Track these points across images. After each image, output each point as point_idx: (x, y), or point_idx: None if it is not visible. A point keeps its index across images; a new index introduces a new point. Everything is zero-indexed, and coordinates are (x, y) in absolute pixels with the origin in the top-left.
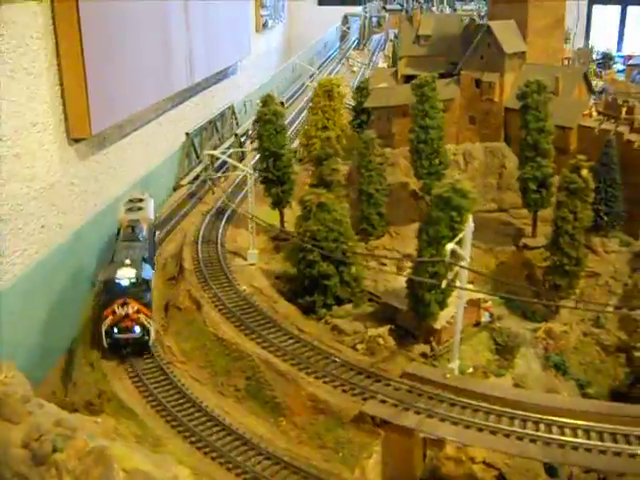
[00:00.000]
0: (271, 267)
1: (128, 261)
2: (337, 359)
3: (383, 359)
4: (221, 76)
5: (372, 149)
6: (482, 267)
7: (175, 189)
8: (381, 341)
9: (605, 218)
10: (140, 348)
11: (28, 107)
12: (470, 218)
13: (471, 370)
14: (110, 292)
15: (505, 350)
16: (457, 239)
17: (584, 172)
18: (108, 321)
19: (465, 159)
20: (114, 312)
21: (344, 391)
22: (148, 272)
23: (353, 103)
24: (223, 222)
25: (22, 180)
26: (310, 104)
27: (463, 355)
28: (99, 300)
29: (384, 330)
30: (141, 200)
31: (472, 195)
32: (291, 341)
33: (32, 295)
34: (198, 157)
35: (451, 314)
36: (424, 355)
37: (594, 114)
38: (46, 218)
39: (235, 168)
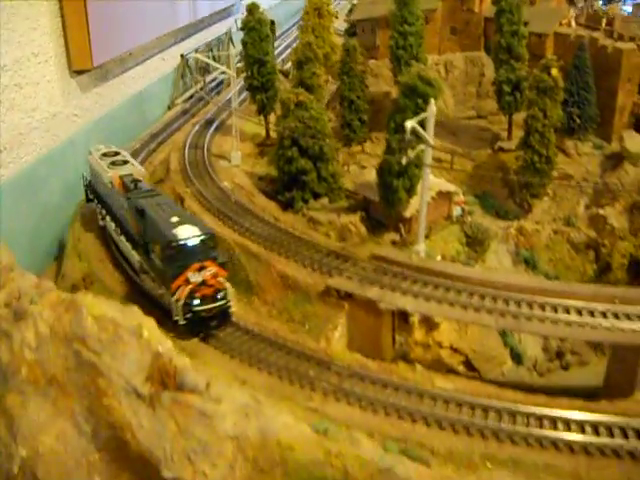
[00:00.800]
0: (255, 170)
1: (176, 218)
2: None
3: (353, 244)
4: (225, 14)
5: (354, 57)
6: (459, 169)
7: (170, 107)
8: (352, 228)
9: (578, 121)
10: (224, 318)
11: (29, 37)
12: (432, 102)
13: (439, 258)
14: (176, 258)
15: (475, 243)
16: (418, 118)
17: (554, 71)
18: (183, 293)
19: (446, 68)
20: (187, 281)
21: (313, 270)
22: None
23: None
24: (211, 130)
25: (24, 110)
26: (301, 23)
27: (432, 245)
28: (158, 271)
29: (355, 218)
30: (117, 153)
31: (437, 83)
32: (266, 228)
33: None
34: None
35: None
36: (394, 242)
37: (573, 24)
38: (48, 149)
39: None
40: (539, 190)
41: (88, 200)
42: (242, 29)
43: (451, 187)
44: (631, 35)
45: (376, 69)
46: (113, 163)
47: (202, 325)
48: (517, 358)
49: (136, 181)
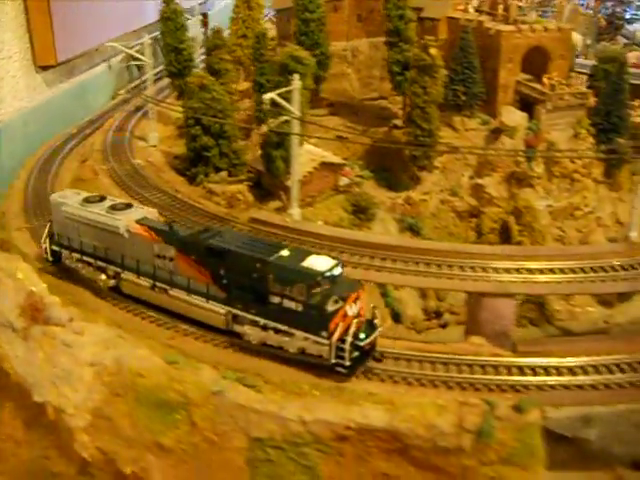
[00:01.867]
0: (172, 150)
1: (286, 252)
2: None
3: (239, 210)
4: (193, 13)
5: (263, 43)
6: (358, 146)
7: (113, 97)
8: (240, 196)
9: (463, 98)
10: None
11: None
12: (297, 77)
13: (320, 223)
14: (328, 293)
15: (360, 211)
16: (278, 91)
17: (432, 50)
18: (351, 329)
19: (353, 54)
20: (345, 315)
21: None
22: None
23: None
24: (138, 115)
25: None
26: (232, 14)
27: (316, 212)
28: (299, 315)
29: (243, 187)
30: (103, 198)
31: (307, 61)
32: (164, 198)
33: None
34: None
35: (304, 173)
36: (277, 209)
37: (471, 9)
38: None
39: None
40: (424, 162)
41: (55, 261)
42: (159, 20)
43: (336, 159)
44: (523, 20)
45: None
46: (113, 208)
47: (361, 361)
48: (396, 317)
49: (169, 224)
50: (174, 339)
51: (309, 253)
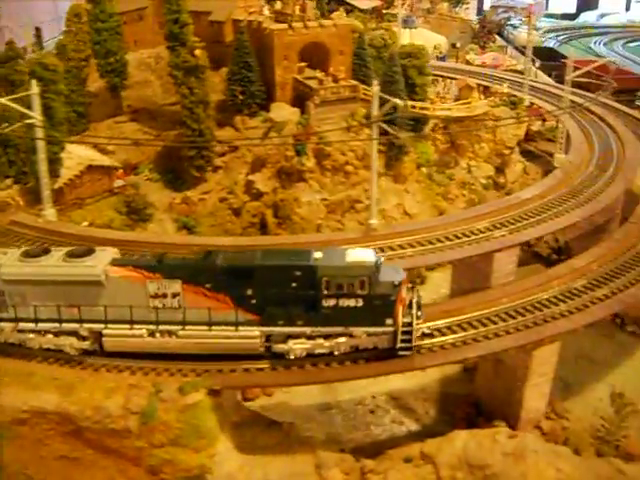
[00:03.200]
0: None
1: (319, 253)
2: None
3: (9, 214)
4: None
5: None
6: (147, 150)
7: None
8: (11, 201)
9: (241, 97)
10: None
11: None
12: (34, 82)
13: (85, 224)
14: (384, 283)
15: (133, 212)
16: (12, 97)
17: (197, 52)
18: (405, 312)
19: (156, 60)
20: (402, 299)
21: None
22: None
23: None
24: None
25: None
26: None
27: (85, 214)
28: (362, 311)
29: (14, 191)
30: (47, 250)
31: (56, 68)
32: None
33: None
34: None
35: (69, 176)
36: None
37: (266, 12)
38: None
39: None
40: (200, 162)
41: None
42: None
43: (107, 162)
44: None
45: None
46: (72, 255)
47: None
48: None
49: (159, 257)
50: None
51: (343, 249)
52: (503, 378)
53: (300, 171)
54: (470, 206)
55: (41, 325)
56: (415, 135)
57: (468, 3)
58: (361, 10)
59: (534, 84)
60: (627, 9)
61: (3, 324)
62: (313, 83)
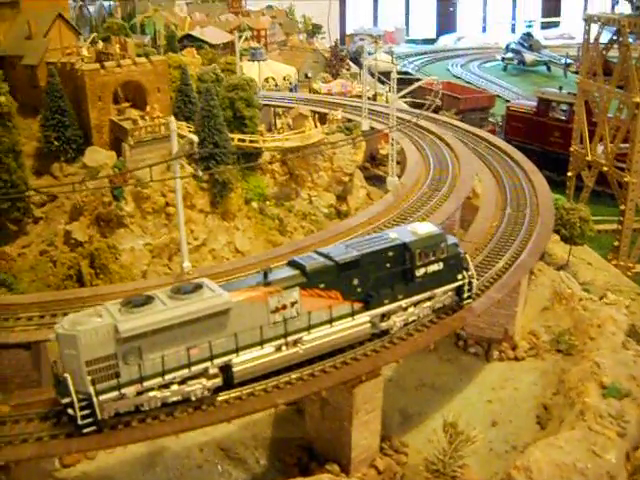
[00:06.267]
0: None
1: (394, 234)
2: None
3: None
4: None
5: None
6: None
7: None
8: None
9: (56, 143)
10: None
11: None
12: None
13: None
14: (449, 244)
15: None
16: None
17: (2, 98)
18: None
19: None
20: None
21: None
22: None
23: None
24: None
25: None
26: None
27: None
28: (442, 277)
29: None
30: (150, 297)
31: None
32: None
33: None
34: None
35: None
36: None
37: (85, 52)
38: None
39: None
40: (16, 214)
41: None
42: None
43: None
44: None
45: None
46: (178, 292)
47: None
48: None
49: (265, 271)
50: None
51: (407, 226)
52: (330, 419)
53: (119, 216)
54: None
55: (168, 376)
56: (246, 168)
57: (324, 33)
58: (212, 45)
59: (377, 108)
60: (483, 31)
61: (125, 390)
62: (127, 124)
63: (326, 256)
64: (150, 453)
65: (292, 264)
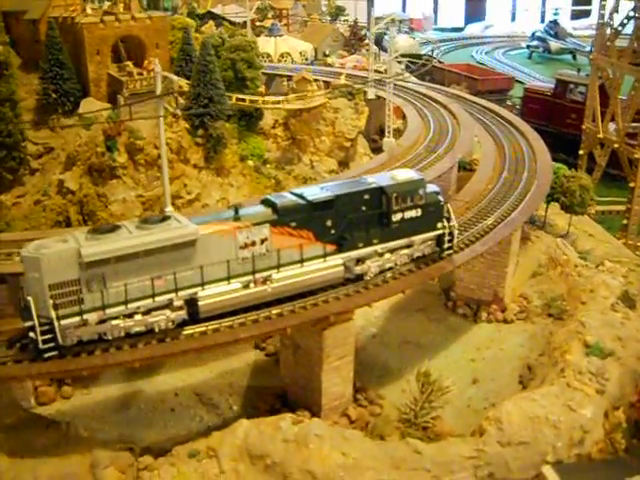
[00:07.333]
0: None
1: (372, 178)
2: None
3: None
4: None
5: None
6: None
7: None
8: None
9: (54, 96)
10: None
11: None
12: None
13: None
14: (430, 191)
15: None
16: None
17: (0, 48)
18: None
19: None
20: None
21: None
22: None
23: None
24: None
25: None
26: None
27: None
28: (424, 221)
29: None
30: (116, 226)
31: None
32: None
33: None
34: None
35: None
36: None
37: (89, 10)
38: None
39: None
40: (12, 163)
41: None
42: None
43: None
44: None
45: None
46: (146, 222)
47: None
48: None
49: (235, 207)
50: None
51: (387, 172)
52: (302, 364)
53: (112, 167)
54: None
55: (131, 305)
56: (246, 129)
57: (347, 15)
58: (232, 23)
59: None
60: (512, 20)
61: (87, 316)
62: (123, 77)
63: (299, 195)
64: (125, 395)
65: (265, 202)
